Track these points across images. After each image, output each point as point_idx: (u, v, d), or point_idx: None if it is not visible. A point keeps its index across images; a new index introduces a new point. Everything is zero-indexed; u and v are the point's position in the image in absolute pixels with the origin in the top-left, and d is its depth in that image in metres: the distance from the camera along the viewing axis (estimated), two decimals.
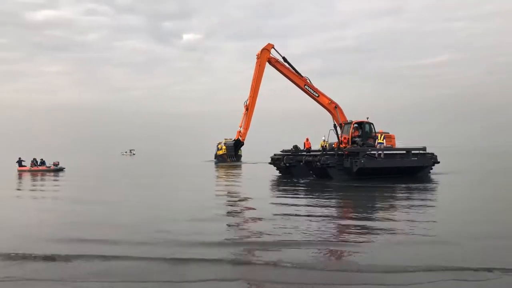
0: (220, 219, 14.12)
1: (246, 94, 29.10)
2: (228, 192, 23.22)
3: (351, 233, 11.78)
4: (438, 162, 30.85)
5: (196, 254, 9.26)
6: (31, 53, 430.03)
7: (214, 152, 55.73)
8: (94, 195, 21.97)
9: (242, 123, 28.65)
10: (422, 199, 19.01)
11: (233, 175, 35.71)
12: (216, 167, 44.69)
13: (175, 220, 13.93)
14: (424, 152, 30.59)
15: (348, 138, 29.42)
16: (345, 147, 28.85)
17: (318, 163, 27.93)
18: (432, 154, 30.82)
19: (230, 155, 28.49)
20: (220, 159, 53.15)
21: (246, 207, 17.47)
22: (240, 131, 28.56)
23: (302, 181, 27.14)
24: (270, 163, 33.20)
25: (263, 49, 29.16)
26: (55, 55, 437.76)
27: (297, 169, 30.17)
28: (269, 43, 29.53)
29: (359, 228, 12.43)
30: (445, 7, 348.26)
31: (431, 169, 30.52)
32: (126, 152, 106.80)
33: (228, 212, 15.80)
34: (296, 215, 14.65)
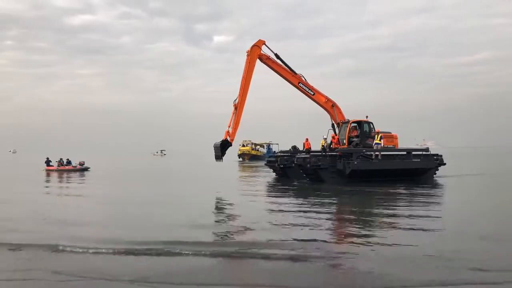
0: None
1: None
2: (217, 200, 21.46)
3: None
4: (444, 164, 28.49)
5: None
6: (67, 56, 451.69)
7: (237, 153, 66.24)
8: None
9: (230, 123, 27.49)
10: (424, 206, 16.49)
11: (243, 177, 34.89)
12: (239, 167, 47.58)
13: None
14: (428, 153, 28.32)
15: (339, 138, 27.72)
16: (336, 148, 27.18)
17: (308, 165, 26.51)
18: (438, 155, 28.52)
19: (217, 156, 27.30)
20: (242, 158, 65.05)
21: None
22: (228, 131, 27.38)
23: (295, 184, 25.80)
24: (265, 165, 31.99)
25: (253, 46, 27.85)
26: (90, 58, 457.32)
27: (292, 170, 28.86)
28: (260, 40, 28.23)
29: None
30: (482, 3, 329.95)
31: (436, 172, 28.20)
32: (157, 153, 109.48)
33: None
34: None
